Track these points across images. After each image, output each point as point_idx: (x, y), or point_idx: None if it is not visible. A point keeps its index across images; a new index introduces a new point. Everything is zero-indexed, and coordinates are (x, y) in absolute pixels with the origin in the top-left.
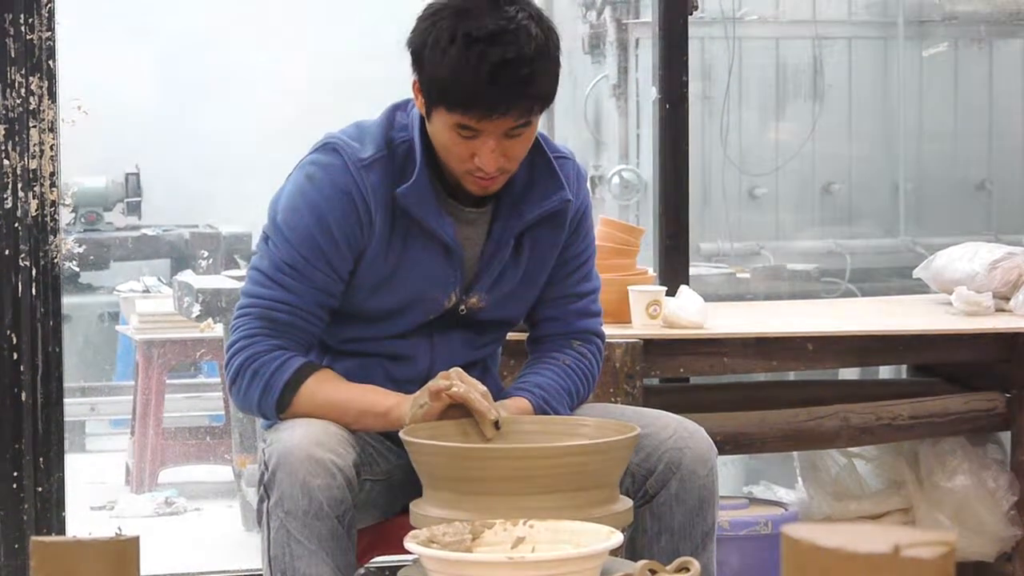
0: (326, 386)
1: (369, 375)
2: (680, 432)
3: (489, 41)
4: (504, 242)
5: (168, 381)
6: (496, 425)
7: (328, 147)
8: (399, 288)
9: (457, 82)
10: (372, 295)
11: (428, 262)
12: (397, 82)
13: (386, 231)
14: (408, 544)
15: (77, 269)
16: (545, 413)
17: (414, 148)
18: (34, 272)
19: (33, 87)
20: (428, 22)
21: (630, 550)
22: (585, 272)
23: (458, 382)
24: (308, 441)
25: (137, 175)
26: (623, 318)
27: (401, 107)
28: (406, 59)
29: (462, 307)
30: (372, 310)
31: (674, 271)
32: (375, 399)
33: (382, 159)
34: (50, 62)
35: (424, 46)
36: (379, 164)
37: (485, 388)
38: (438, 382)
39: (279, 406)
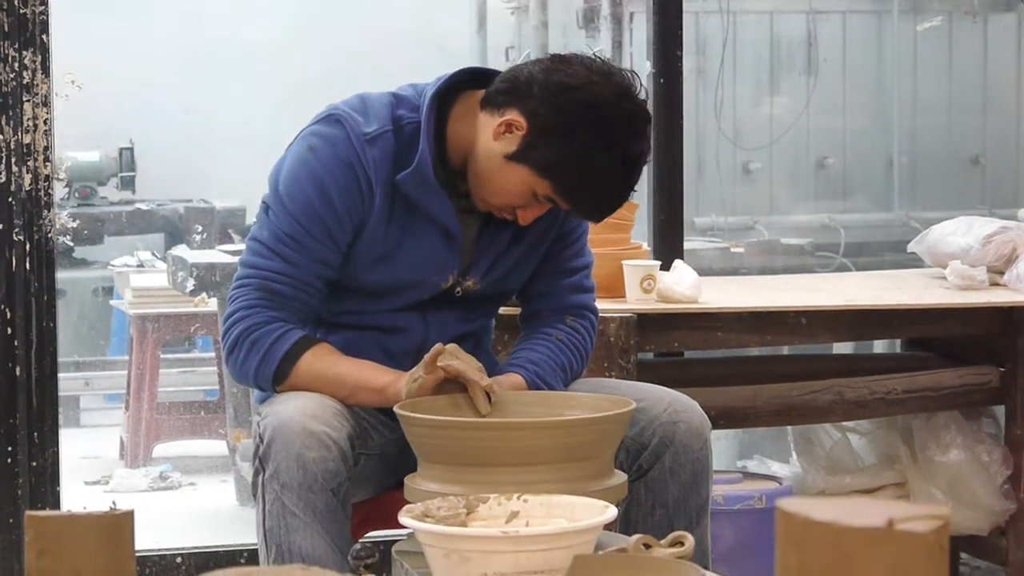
0: (323, 360)
1: (363, 347)
2: (674, 406)
3: (635, 164)
4: (502, 228)
5: (162, 356)
6: (489, 398)
7: (331, 118)
8: (398, 268)
9: (593, 192)
10: (370, 270)
11: (428, 246)
12: (393, 59)
13: (385, 207)
14: (403, 519)
15: (71, 244)
16: (538, 388)
17: (420, 132)
18: (28, 247)
19: (27, 61)
20: (575, 117)
21: (624, 524)
22: (578, 248)
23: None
24: (303, 414)
25: (131, 149)
26: (617, 293)
27: (412, 87)
28: (399, 45)
29: (458, 289)
30: (369, 285)
31: (668, 246)
32: (372, 375)
33: (386, 135)
34: (43, 36)
35: (563, 133)
36: (383, 139)
37: (480, 364)
38: (432, 354)
39: (276, 378)
